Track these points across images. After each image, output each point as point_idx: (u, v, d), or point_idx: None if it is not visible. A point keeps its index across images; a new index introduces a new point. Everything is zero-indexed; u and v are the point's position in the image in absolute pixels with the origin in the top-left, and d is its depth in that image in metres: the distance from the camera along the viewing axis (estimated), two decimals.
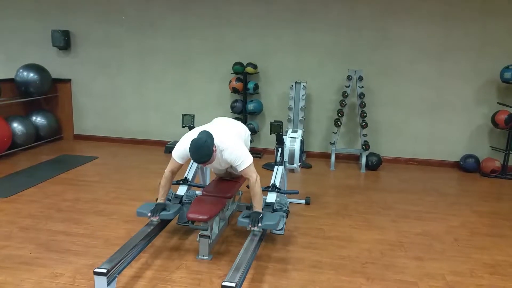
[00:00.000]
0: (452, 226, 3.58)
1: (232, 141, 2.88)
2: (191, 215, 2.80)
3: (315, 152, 5.82)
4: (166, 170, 2.95)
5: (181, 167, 2.97)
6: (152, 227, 2.85)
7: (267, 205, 3.22)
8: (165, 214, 2.89)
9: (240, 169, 2.85)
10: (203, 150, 2.62)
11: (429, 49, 5.31)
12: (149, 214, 2.87)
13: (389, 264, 2.91)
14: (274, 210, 3.18)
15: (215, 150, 2.72)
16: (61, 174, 4.71)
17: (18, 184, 4.30)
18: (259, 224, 2.75)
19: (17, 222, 3.41)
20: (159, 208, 2.89)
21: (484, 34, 5.15)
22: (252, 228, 2.75)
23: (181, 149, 2.88)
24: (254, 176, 2.84)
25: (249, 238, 2.72)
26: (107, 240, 3.13)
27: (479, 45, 5.19)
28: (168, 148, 5.81)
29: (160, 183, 3.04)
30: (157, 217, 2.86)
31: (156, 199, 3.02)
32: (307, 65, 5.62)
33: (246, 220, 2.79)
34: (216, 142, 2.75)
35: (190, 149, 2.66)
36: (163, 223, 3.00)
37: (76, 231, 3.29)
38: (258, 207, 2.86)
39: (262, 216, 2.81)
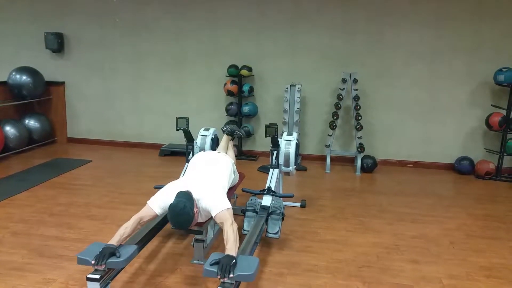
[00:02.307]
0: (447, 229, 3.57)
1: (211, 189, 2.62)
2: None
3: (311, 154, 5.81)
4: (134, 215, 2.49)
5: (152, 219, 2.58)
6: (147, 231, 2.71)
7: (263, 209, 3.21)
8: (113, 261, 2.24)
9: (214, 213, 2.46)
10: (182, 217, 2.34)
11: (423, 52, 5.32)
12: (92, 262, 2.22)
13: (386, 267, 2.89)
14: (269, 214, 3.16)
15: (196, 212, 2.43)
16: (54, 178, 4.66)
17: (10, 188, 4.25)
18: (231, 275, 2.09)
19: (9, 227, 3.36)
20: (106, 253, 2.24)
21: (477, 36, 5.18)
22: (222, 280, 2.10)
23: (163, 198, 2.53)
24: (230, 220, 2.40)
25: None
26: None
27: (472, 48, 5.21)
28: (163, 151, 5.78)
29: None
30: (103, 266, 2.22)
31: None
32: (302, 67, 5.61)
33: (214, 269, 2.12)
34: (195, 196, 2.48)
35: (168, 215, 2.38)
36: (158, 226, 2.95)
37: (69, 236, 3.25)
38: (230, 250, 2.24)
39: (235, 262, 2.16)
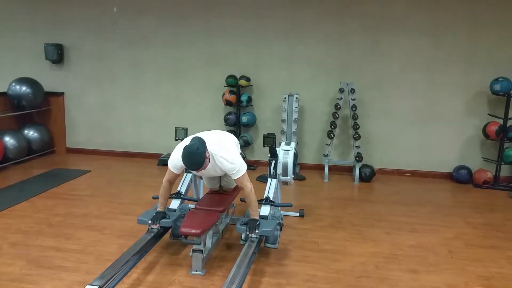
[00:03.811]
0: (446, 238, 3.58)
1: (228, 148, 2.94)
2: (184, 230, 2.78)
3: (309, 164, 5.82)
4: (164, 179, 3.02)
5: (177, 177, 3.01)
6: (145, 241, 2.82)
7: (261, 218, 3.20)
8: (165, 221, 3.00)
9: (235, 177, 2.90)
10: (195, 157, 2.65)
11: (419, 61, 5.37)
12: (149, 222, 2.98)
13: (384, 277, 2.89)
14: None
15: (208, 156, 2.74)
16: (52, 188, 4.66)
17: (8, 199, 4.25)
18: (257, 231, 2.86)
19: (7, 238, 3.36)
20: (159, 216, 3.00)
21: (473, 46, 5.22)
22: (250, 235, 2.86)
23: (175, 159, 2.92)
24: (248, 186, 2.92)
25: (246, 245, 2.81)
26: (99, 256, 3.09)
27: (468, 57, 5.26)
28: (162, 160, 5.79)
29: (155, 196, 3.14)
30: (157, 225, 2.97)
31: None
32: (300, 77, 5.65)
33: (244, 227, 2.91)
34: (210, 149, 2.78)
35: (182, 156, 2.69)
36: (156, 237, 2.98)
37: (67, 246, 3.24)
38: (254, 214, 2.96)
39: (259, 223, 2.92)
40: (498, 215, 4.20)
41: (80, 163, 5.83)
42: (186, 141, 2.87)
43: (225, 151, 2.88)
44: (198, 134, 2.99)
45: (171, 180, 3.01)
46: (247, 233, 2.87)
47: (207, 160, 2.73)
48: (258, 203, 3.35)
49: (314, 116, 5.72)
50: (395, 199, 4.63)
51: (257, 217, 2.97)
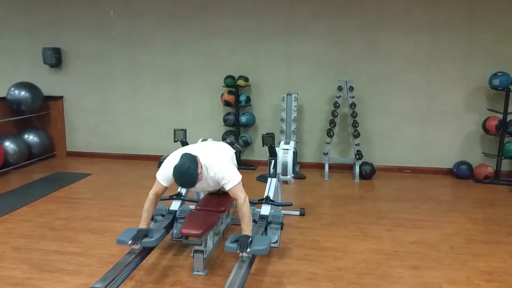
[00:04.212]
0: (447, 234, 3.58)
1: (219, 158, 2.83)
2: (185, 231, 2.78)
3: (309, 162, 5.82)
4: (150, 192, 2.80)
5: (166, 190, 2.82)
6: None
7: (261, 218, 3.22)
8: (147, 241, 2.71)
9: (227, 188, 2.72)
10: (186, 177, 2.51)
11: (417, 58, 5.37)
12: (129, 242, 2.68)
13: (386, 274, 2.89)
14: (268, 223, 3.17)
15: (200, 172, 2.59)
16: (54, 192, 4.67)
17: (10, 204, 4.25)
18: (248, 250, 2.57)
19: (9, 242, 3.37)
20: (140, 234, 2.70)
21: (471, 42, 5.22)
22: (241, 254, 2.58)
23: (167, 171, 2.72)
24: (242, 197, 2.70)
25: (236, 264, 2.56)
26: (100, 258, 3.09)
27: (466, 53, 5.26)
28: (161, 162, 5.77)
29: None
30: (139, 245, 2.68)
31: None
32: (298, 76, 5.65)
33: (234, 245, 2.60)
34: (202, 161, 2.67)
35: (173, 175, 2.56)
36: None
37: (69, 250, 3.25)
38: (247, 230, 2.67)
39: (251, 240, 2.62)
40: (499, 210, 4.20)
41: (80, 167, 5.84)
42: (178, 153, 2.73)
43: (217, 161, 2.76)
44: (191, 147, 2.91)
45: (159, 193, 2.79)
46: (238, 252, 2.56)
47: (200, 175, 2.58)
48: (258, 203, 3.37)
49: (313, 114, 5.72)
50: (396, 196, 4.63)
51: (250, 233, 2.66)
